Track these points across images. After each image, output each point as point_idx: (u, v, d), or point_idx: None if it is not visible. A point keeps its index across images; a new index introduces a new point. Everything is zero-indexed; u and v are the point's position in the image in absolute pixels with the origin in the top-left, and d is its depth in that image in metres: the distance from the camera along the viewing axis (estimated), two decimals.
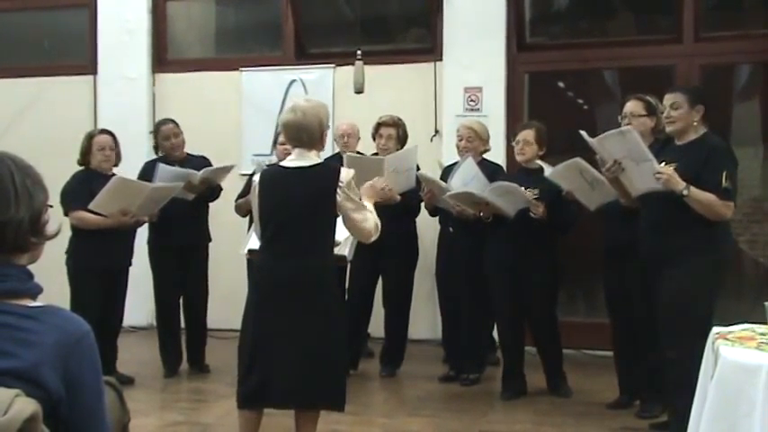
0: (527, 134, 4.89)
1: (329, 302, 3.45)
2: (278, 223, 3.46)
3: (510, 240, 4.85)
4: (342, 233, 3.63)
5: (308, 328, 3.37)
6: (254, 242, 3.87)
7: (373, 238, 3.54)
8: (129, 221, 5.04)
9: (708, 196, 3.75)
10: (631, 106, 4.36)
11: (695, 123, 3.90)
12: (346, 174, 3.47)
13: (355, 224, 3.47)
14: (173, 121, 5.58)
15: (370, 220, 3.48)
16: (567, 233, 4.97)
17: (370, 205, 3.59)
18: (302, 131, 3.45)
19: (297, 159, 3.51)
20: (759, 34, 6.08)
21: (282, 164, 3.63)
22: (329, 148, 6.47)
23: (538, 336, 5.03)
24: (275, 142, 5.59)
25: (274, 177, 3.54)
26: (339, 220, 3.59)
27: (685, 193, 3.74)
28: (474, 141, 5.26)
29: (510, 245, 4.85)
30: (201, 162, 5.50)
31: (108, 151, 5.13)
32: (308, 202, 3.43)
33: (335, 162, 5.37)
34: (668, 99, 3.94)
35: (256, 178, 3.61)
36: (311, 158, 3.49)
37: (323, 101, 3.83)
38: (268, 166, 4.08)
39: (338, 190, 3.41)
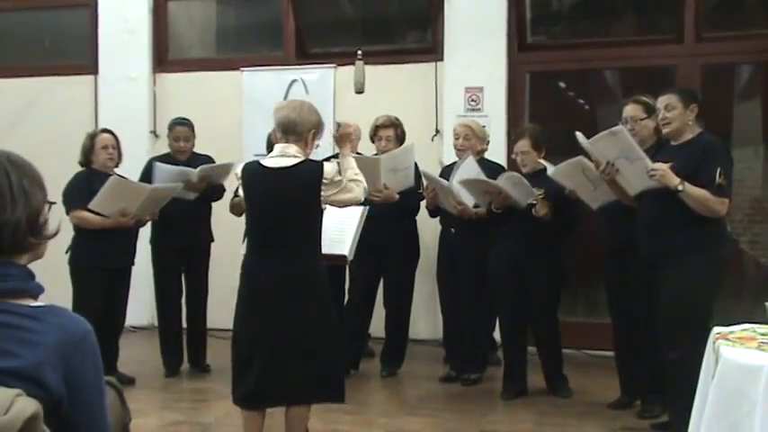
0: (522, 145, 4.88)
1: (318, 302, 3.44)
2: (263, 226, 3.44)
3: (516, 239, 4.84)
4: (346, 233, 3.62)
5: (300, 329, 3.37)
6: None
7: (362, 198, 3.61)
8: (129, 222, 5.04)
9: (702, 192, 3.75)
10: (631, 110, 4.34)
11: (690, 123, 3.90)
12: (330, 169, 3.44)
13: (344, 202, 3.55)
14: (188, 125, 5.53)
15: (355, 190, 3.52)
16: (571, 235, 4.96)
17: (352, 163, 3.61)
18: (293, 113, 3.44)
19: (278, 157, 3.44)
20: (760, 34, 6.07)
21: (263, 163, 3.51)
22: (329, 149, 6.50)
23: (539, 336, 5.03)
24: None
25: (257, 177, 3.47)
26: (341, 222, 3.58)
27: (680, 188, 3.74)
28: (471, 140, 5.26)
29: (516, 244, 4.84)
30: (206, 161, 5.48)
31: (111, 150, 5.13)
32: (293, 204, 3.39)
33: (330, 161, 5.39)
34: (662, 101, 3.94)
35: (238, 171, 3.57)
36: (293, 155, 3.43)
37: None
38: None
39: (323, 187, 3.40)
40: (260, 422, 3.50)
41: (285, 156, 3.43)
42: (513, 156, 5.00)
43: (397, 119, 5.45)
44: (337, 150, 5.82)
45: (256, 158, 3.64)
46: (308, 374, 3.39)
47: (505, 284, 4.90)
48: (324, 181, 3.38)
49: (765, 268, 6.20)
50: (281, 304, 3.37)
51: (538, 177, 4.79)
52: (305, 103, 3.55)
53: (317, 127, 3.49)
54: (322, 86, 6.74)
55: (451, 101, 6.42)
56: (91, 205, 4.93)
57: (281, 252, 3.40)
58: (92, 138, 5.16)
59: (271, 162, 3.46)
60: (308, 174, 3.40)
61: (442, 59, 6.51)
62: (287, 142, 3.45)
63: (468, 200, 5.08)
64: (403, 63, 6.65)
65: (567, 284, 5.07)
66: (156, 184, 5.14)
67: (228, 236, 5.60)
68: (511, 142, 5.08)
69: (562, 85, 6.91)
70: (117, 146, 5.18)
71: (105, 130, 5.24)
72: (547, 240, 4.80)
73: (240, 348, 3.48)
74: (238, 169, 3.58)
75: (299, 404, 3.48)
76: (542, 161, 4.86)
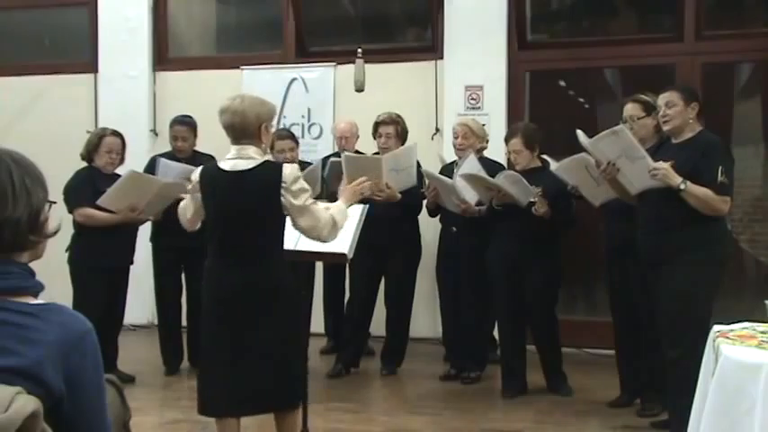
0: (514, 144, 4.88)
1: (281, 309, 3.29)
2: (222, 231, 3.32)
3: (512, 238, 4.84)
4: (345, 230, 3.58)
5: (262, 336, 3.25)
6: None
7: (329, 240, 3.38)
8: (137, 217, 5.04)
9: (704, 191, 3.75)
10: (630, 109, 4.34)
11: (691, 121, 3.89)
12: (290, 171, 3.25)
13: (303, 231, 3.33)
14: (188, 124, 5.51)
15: (321, 223, 3.29)
16: (567, 231, 4.96)
17: (340, 204, 3.45)
18: (236, 116, 3.25)
19: (235, 159, 3.30)
20: (760, 33, 6.08)
21: (221, 165, 3.34)
22: (329, 147, 6.50)
23: (537, 335, 5.03)
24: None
25: (214, 181, 3.33)
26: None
27: (682, 187, 3.73)
28: (470, 138, 5.26)
29: (512, 243, 4.84)
30: (208, 160, 5.45)
31: (114, 155, 5.13)
32: (251, 209, 3.26)
33: (331, 159, 5.39)
34: (663, 98, 3.93)
35: (195, 177, 3.41)
36: (251, 157, 3.28)
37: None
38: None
39: (281, 191, 3.21)
40: (236, 428, 3.37)
41: (242, 158, 3.29)
42: (506, 154, 5.01)
43: (398, 116, 5.44)
44: (337, 149, 5.89)
45: (214, 162, 3.50)
46: (268, 382, 3.27)
47: (502, 283, 4.90)
48: (283, 184, 3.21)
49: (765, 267, 6.20)
50: (241, 309, 3.25)
51: (533, 175, 4.79)
52: (245, 99, 3.32)
53: (268, 119, 3.34)
54: (322, 85, 6.74)
55: (451, 99, 6.42)
56: (101, 201, 4.93)
57: (244, 260, 3.27)
58: (100, 137, 5.14)
59: (228, 165, 3.32)
60: (266, 177, 3.25)
61: (442, 58, 6.51)
62: (237, 141, 3.31)
63: (471, 198, 5.08)
64: (403, 61, 6.65)
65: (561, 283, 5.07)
66: (167, 179, 5.12)
67: None
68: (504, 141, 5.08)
69: (562, 83, 6.90)
70: (122, 150, 5.18)
71: (115, 133, 5.19)
72: (543, 239, 4.80)
73: (204, 355, 3.41)
74: (196, 174, 3.42)
75: (259, 412, 3.40)
76: (546, 157, 4.85)
